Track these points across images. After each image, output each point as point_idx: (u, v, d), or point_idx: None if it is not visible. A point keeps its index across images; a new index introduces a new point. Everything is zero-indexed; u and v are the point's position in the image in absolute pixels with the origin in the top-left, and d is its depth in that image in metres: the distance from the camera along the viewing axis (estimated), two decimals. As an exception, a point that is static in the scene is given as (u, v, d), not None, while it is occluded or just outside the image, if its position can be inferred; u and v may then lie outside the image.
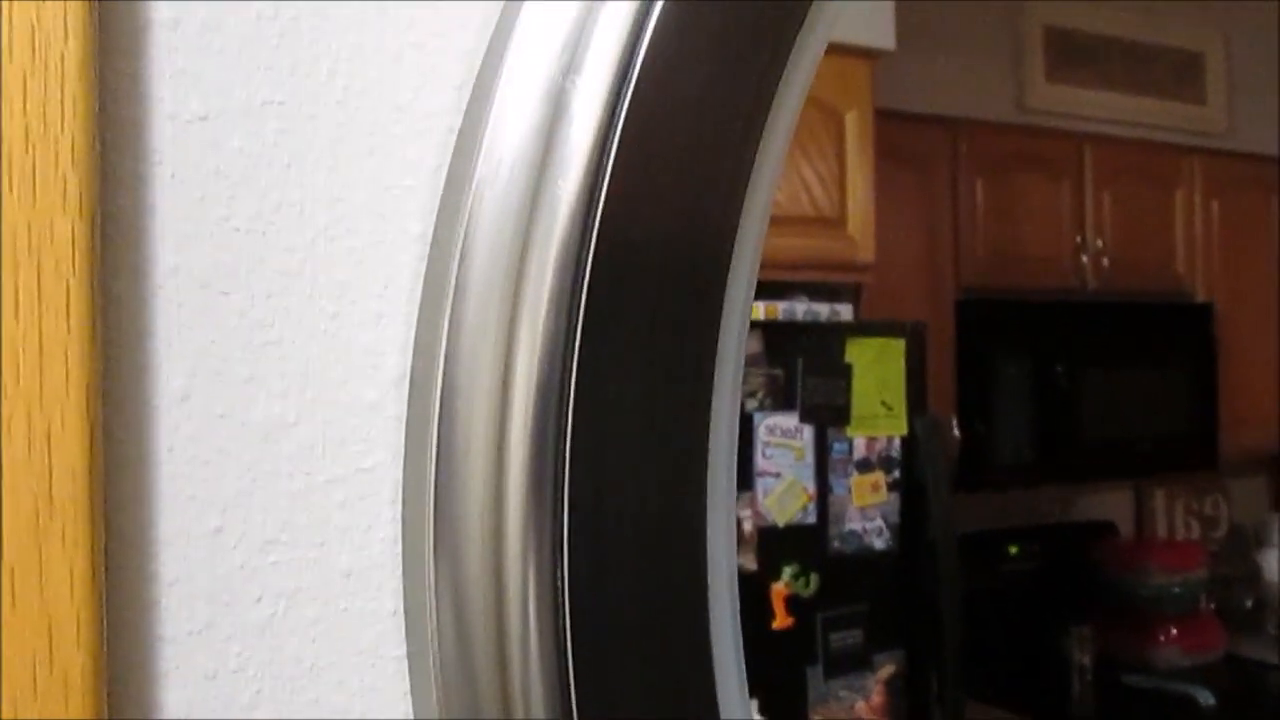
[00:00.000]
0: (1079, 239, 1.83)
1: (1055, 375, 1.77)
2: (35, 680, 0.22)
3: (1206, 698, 1.71)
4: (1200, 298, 1.99)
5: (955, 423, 1.76)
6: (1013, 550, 2.08)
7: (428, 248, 0.27)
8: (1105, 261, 1.85)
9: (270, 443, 0.25)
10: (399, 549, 0.26)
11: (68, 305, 0.22)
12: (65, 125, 0.22)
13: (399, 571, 0.26)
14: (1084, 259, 1.84)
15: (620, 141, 0.26)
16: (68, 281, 0.22)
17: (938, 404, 1.60)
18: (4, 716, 0.22)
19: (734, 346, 0.29)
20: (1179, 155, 1.90)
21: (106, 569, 0.22)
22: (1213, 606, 2.02)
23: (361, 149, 0.27)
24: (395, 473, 0.26)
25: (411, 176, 0.27)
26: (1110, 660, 1.82)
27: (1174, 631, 1.89)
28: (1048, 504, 2.16)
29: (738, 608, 0.29)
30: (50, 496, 0.21)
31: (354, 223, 0.27)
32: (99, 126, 0.23)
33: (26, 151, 0.22)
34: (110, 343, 0.23)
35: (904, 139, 1.64)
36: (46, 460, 0.21)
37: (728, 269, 0.29)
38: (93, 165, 0.23)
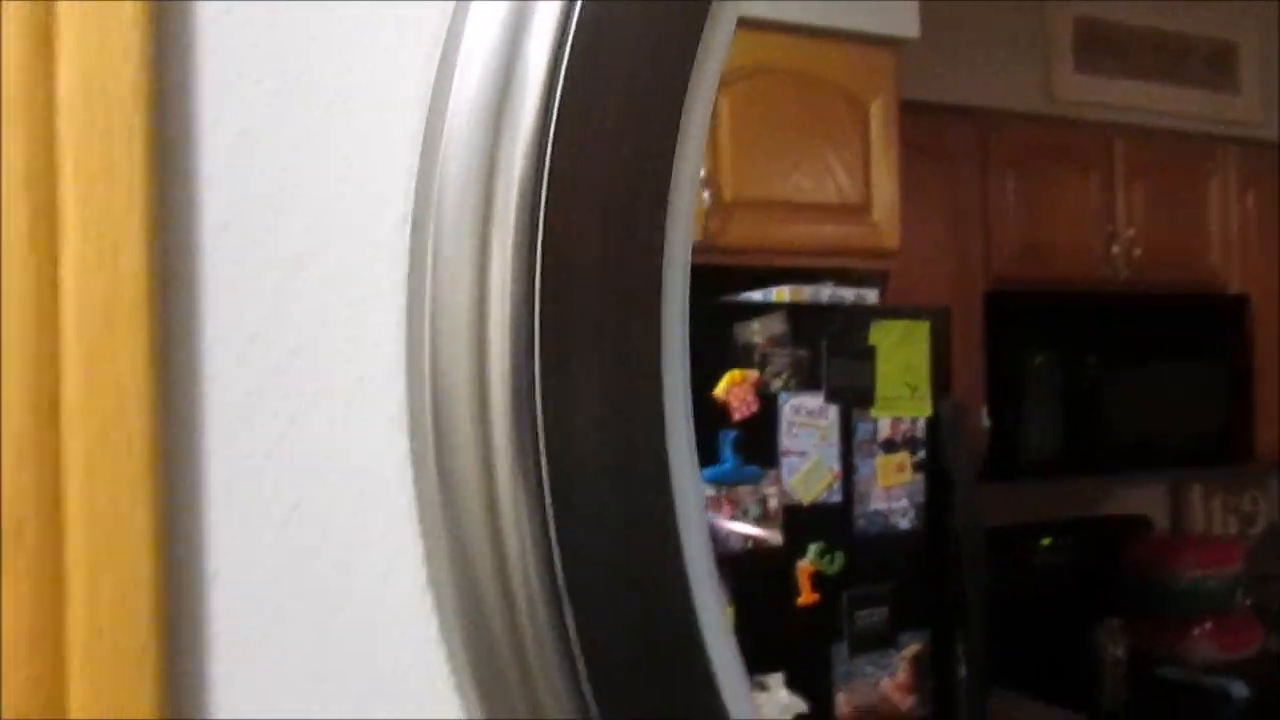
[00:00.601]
0: (1110, 230, 1.84)
1: (1085, 367, 1.77)
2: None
3: (1240, 690, 1.70)
4: (1234, 289, 1.98)
5: (985, 413, 1.77)
6: (1045, 543, 2.08)
7: (425, 114, 0.32)
8: (1137, 253, 1.85)
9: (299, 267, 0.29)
10: (403, 360, 0.31)
11: (129, 142, 0.25)
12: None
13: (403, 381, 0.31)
14: (1115, 250, 1.84)
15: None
16: (131, 121, 0.26)
17: (967, 396, 1.60)
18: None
19: (679, 279, 0.32)
20: (1212, 146, 1.90)
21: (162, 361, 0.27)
22: (1249, 603, 2.00)
23: (371, 24, 0.32)
24: (399, 299, 0.31)
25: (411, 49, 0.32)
26: (1143, 654, 1.81)
27: (1209, 627, 1.88)
28: (1082, 498, 2.15)
29: (706, 528, 0.32)
30: (117, 298, 0.25)
31: (364, 90, 0.31)
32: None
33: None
34: (163, 179, 0.28)
35: (932, 131, 1.66)
36: (115, 268, 0.25)
37: (666, 201, 0.31)
38: (148, 28, 0.27)
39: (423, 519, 0.31)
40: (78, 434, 0.27)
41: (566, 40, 0.30)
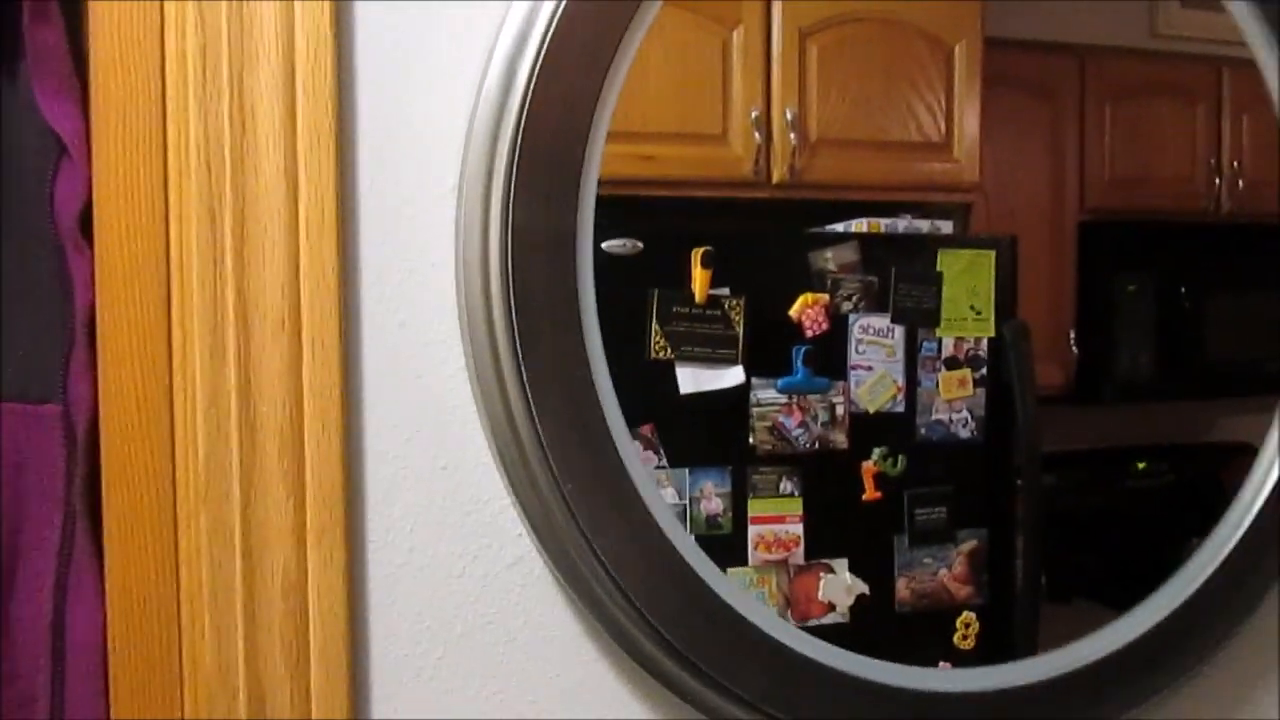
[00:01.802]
0: (1214, 162, 1.87)
1: (1180, 296, 1.83)
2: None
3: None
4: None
5: (1073, 337, 1.85)
6: (1140, 466, 2.14)
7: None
8: (1241, 185, 1.88)
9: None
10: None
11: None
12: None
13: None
14: (1218, 182, 1.87)
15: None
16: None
17: (1057, 322, 1.71)
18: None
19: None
20: (1326, 77, 1.89)
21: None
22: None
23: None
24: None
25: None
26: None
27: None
28: (1183, 424, 2.19)
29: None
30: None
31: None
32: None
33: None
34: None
35: (1028, 67, 1.73)
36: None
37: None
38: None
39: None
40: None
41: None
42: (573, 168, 0.70)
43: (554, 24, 0.65)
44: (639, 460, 0.85)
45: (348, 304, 0.62)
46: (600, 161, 0.68)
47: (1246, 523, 1.13)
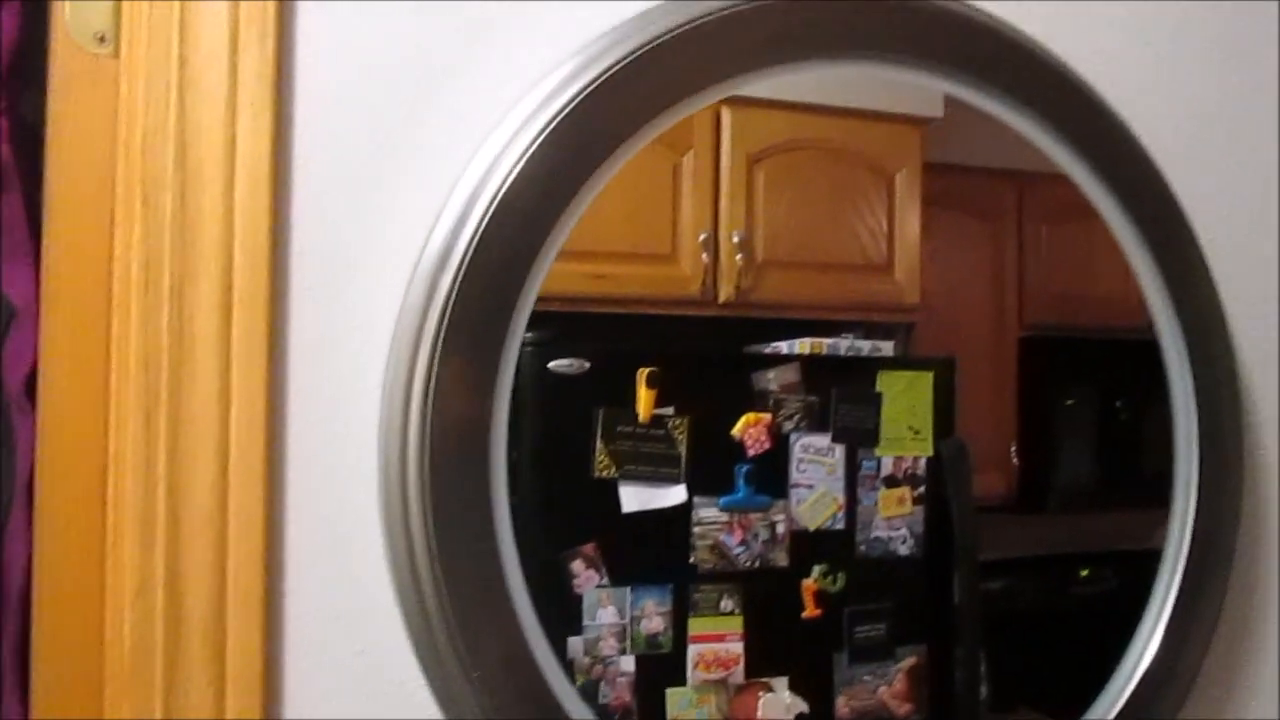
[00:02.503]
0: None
1: (1116, 409, 1.89)
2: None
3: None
4: None
5: (1015, 450, 1.91)
6: (1084, 573, 2.18)
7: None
8: (1174, 302, 1.95)
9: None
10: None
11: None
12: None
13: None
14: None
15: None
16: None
17: (1000, 434, 1.76)
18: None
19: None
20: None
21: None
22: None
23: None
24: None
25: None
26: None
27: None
28: (1122, 532, 2.24)
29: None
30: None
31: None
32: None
33: None
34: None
35: (968, 190, 1.81)
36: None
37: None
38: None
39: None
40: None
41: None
42: (490, 369, 0.76)
43: (471, 247, 0.72)
44: (548, 649, 0.89)
45: (273, 499, 0.67)
46: (515, 360, 0.76)
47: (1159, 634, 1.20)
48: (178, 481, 0.59)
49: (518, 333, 0.83)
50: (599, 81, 0.93)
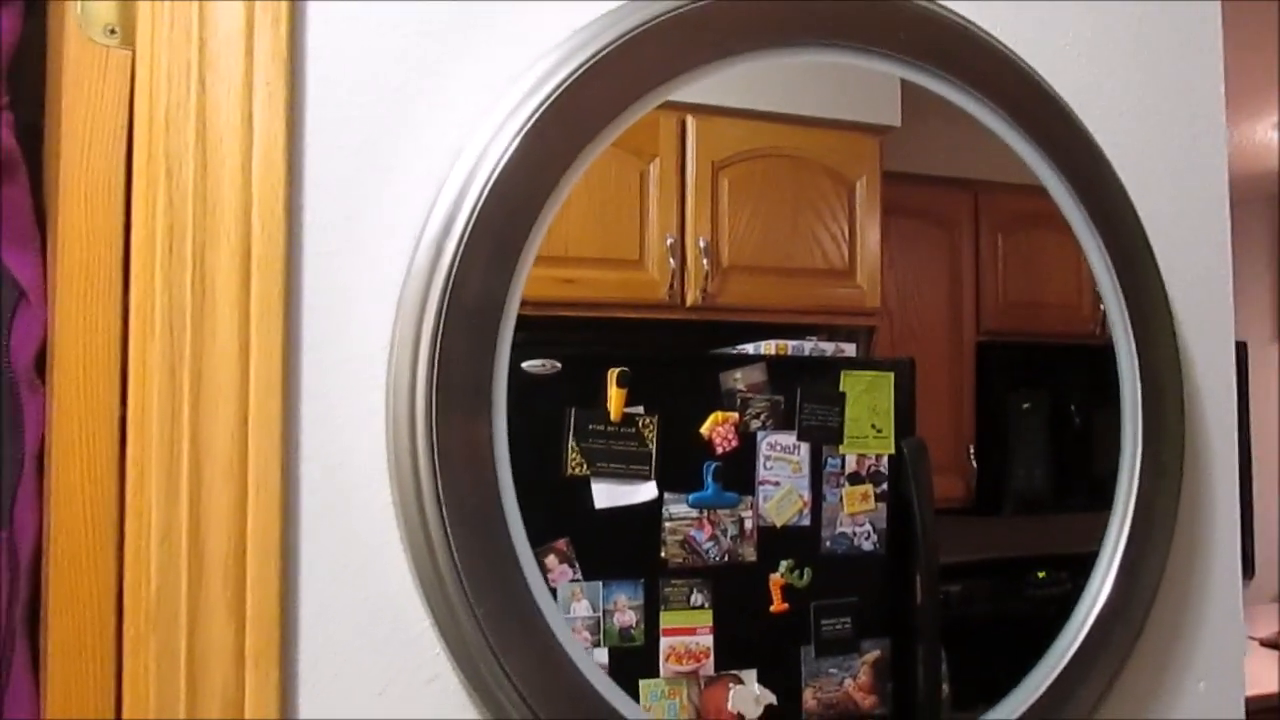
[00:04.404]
0: (1097, 290, 2.02)
1: (1070, 413, 1.96)
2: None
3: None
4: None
5: (972, 452, 1.97)
6: (1041, 575, 2.26)
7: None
8: (1124, 309, 2.03)
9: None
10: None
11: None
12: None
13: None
14: (1102, 308, 2.03)
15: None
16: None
17: (958, 437, 1.82)
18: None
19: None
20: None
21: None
22: (1244, 638, 2.16)
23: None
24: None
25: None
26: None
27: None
28: (1077, 535, 2.31)
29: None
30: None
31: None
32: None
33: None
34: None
35: (926, 199, 1.88)
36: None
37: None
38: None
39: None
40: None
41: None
42: (489, 333, 0.82)
43: (474, 214, 0.79)
44: (544, 587, 0.95)
45: (288, 451, 0.72)
46: (514, 323, 0.84)
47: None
48: (200, 434, 0.63)
49: (517, 293, 0.90)
50: (597, 58, 1.03)
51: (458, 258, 0.90)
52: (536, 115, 1.04)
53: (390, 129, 0.91)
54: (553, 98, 1.06)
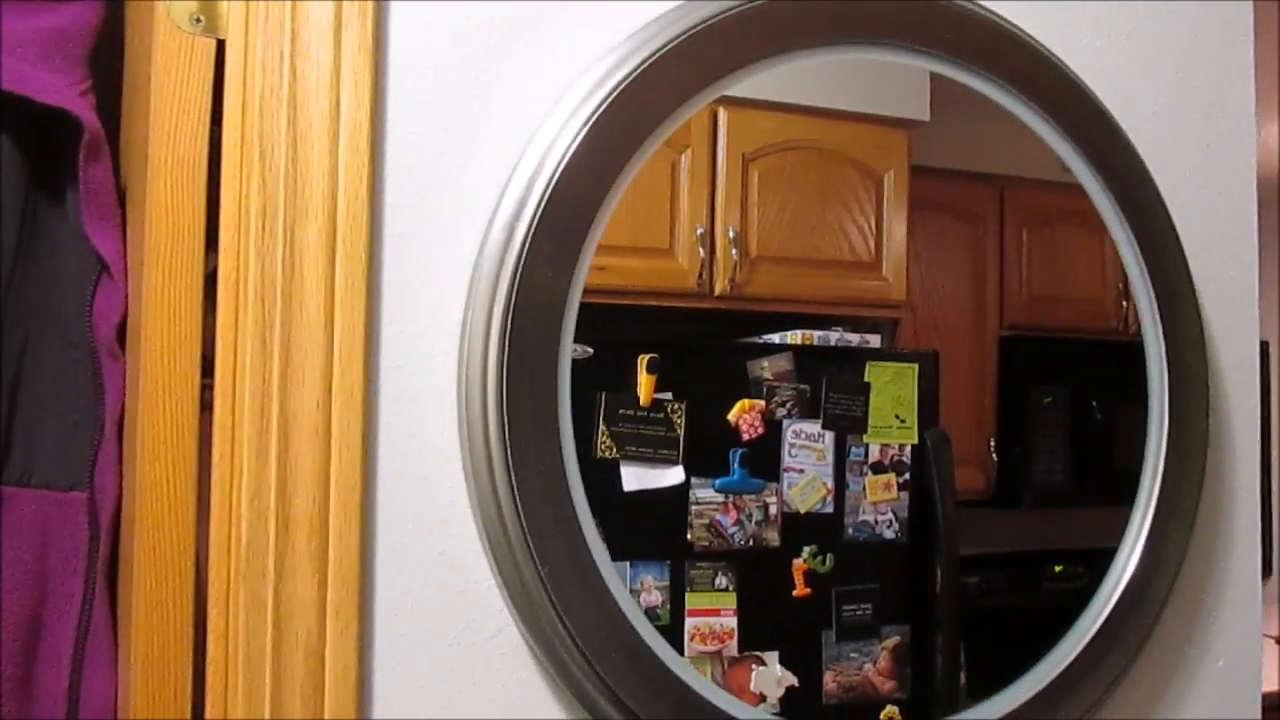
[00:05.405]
0: (1121, 286, 2.05)
1: (1092, 408, 1.99)
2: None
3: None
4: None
5: (993, 446, 2.00)
6: (1058, 569, 2.28)
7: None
8: (1147, 306, 2.06)
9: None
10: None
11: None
12: None
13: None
14: (1125, 304, 2.05)
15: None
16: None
17: (979, 430, 1.85)
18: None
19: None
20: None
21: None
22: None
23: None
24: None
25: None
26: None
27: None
28: (1095, 529, 2.34)
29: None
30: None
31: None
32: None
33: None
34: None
35: (952, 193, 1.91)
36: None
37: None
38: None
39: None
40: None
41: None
42: (557, 310, 0.87)
43: (544, 200, 0.84)
44: (603, 547, 1.01)
45: (369, 417, 0.77)
46: (579, 298, 0.90)
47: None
48: (288, 399, 0.69)
49: (581, 277, 0.96)
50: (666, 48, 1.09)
51: (528, 241, 0.96)
52: (605, 105, 1.10)
53: (466, 117, 0.98)
54: (620, 88, 1.11)
